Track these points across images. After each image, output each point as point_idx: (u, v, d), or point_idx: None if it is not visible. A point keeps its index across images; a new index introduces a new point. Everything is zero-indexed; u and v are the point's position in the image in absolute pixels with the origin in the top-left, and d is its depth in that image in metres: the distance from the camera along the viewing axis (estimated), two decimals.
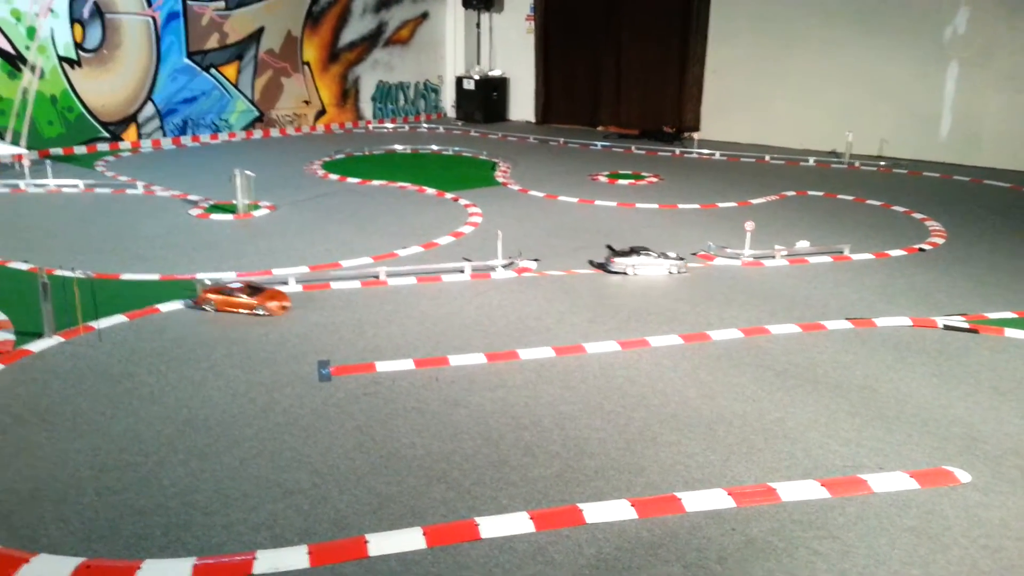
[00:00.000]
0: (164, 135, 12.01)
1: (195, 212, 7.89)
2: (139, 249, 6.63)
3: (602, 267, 6.19)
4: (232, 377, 4.27)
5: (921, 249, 6.84)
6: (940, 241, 7.09)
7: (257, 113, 12.99)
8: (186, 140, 12.21)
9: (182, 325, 4.99)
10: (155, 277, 5.90)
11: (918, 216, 7.98)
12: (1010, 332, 5.00)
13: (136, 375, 4.28)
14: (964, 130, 10.88)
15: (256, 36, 12.72)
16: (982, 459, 3.55)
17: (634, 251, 6.18)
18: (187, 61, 12.03)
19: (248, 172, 7.83)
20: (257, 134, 13.00)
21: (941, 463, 3.51)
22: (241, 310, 5.18)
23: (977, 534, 3.02)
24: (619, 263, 6.10)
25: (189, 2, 11.82)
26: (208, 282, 5.39)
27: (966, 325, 5.09)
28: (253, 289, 5.29)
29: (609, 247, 6.26)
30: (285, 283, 5.68)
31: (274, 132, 13.21)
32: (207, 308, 5.21)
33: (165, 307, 5.27)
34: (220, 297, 5.21)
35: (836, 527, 3.05)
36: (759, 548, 2.92)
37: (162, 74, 11.81)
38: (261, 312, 5.16)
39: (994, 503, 3.22)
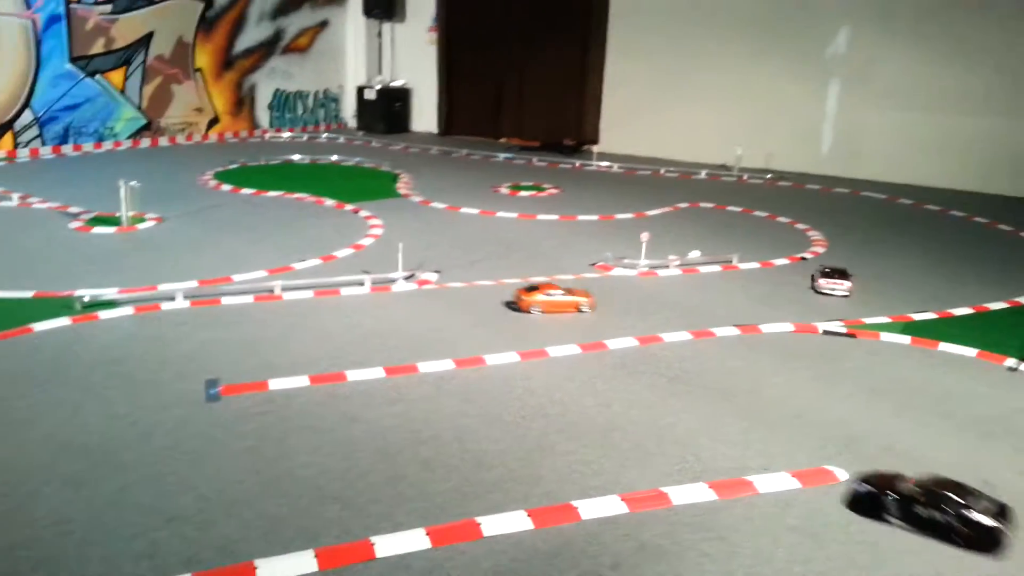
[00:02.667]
0: (43, 144, 11.34)
1: (75, 225, 7.48)
2: (13, 265, 6.23)
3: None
4: (112, 400, 4.06)
5: (804, 258, 7.18)
6: (821, 250, 7.46)
7: (145, 121, 12.45)
8: (67, 149, 11.57)
9: (58, 346, 4.71)
10: (29, 295, 5.55)
11: (801, 226, 8.37)
12: (885, 336, 5.30)
13: (6, 399, 4.01)
14: (844, 145, 11.51)
15: (145, 41, 12.21)
16: (859, 457, 3.74)
17: (839, 273, 6.19)
18: (70, 66, 11.42)
19: (133, 183, 7.49)
20: (145, 143, 12.46)
21: (821, 462, 3.68)
22: (568, 310, 5.46)
23: (855, 530, 3.18)
24: (822, 284, 6.13)
25: (72, 5, 11.24)
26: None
27: (844, 330, 5.37)
28: (565, 289, 5.55)
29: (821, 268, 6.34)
30: (172, 299, 5.45)
31: (163, 141, 12.69)
32: (533, 312, 5.40)
33: (40, 326, 4.96)
34: (546, 299, 5.44)
35: (724, 528, 3.15)
36: (651, 552, 2.98)
37: (42, 80, 11.15)
38: (585, 309, 5.49)
39: None
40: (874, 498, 3.21)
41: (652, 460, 3.65)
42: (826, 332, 5.33)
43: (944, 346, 5.14)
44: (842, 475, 3.56)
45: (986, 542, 2.96)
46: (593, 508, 3.24)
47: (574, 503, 3.27)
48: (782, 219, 8.70)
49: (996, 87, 10.38)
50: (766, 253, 7.23)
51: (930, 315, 5.74)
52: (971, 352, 5.05)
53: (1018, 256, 7.56)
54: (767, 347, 5.08)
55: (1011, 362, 4.88)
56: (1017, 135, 10.33)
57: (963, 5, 10.42)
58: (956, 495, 3.07)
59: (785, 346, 5.10)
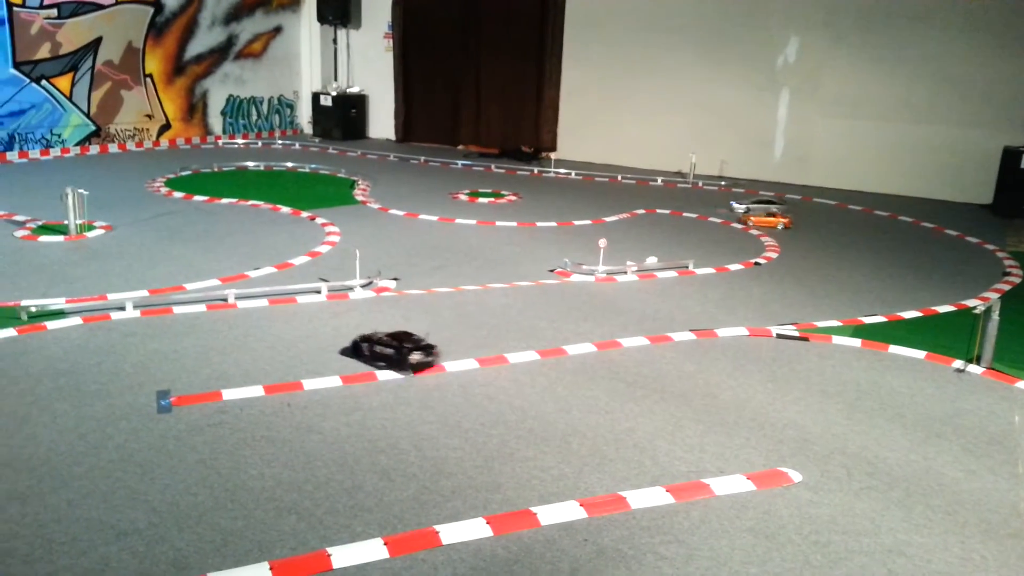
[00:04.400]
0: None
1: (21, 234, 7.27)
2: None
3: None
4: (60, 412, 3.95)
5: (757, 263, 7.30)
6: (774, 255, 7.60)
7: (93, 127, 12.18)
8: (12, 156, 11.26)
9: (3, 358, 4.57)
10: None
11: (755, 232, 8.51)
12: (836, 339, 5.41)
13: None
14: (795, 152, 11.76)
15: (93, 46, 11.95)
16: (812, 459, 3.81)
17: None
18: (14, 71, 11.11)
19: (81, 190, 7.31)
20: (94, 149, 12.18)
21: (776, 464, 3.73)
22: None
23: (808, 531, 3.23)
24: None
25: (16, 8, 10.94)
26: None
27: (797, 334, 5.47)
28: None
29: None
30: (122, 309, 5.33)
31: (113, 147, 12.42)
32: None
33: None
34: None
35: (681, 531, 3.17)
36: (609, 557, 2.99)
37: None
38: (781, 227, 8.31)
39: (823, 501, 3.46)
40: (357, 348, 4.73)
41: (610, 465, 3.66)
42: (779, 336, 5.42)
43: (894, 348, 5.27)
44: (796, 476, 3.62)
45: (425, 365, 4.63)
46: (552, 514, 3.24)
47: (533, 509, 3.27)
48: (736, 225, 8.84)
49: (938, 96, 10.71)
50: (721, 259, 7.34)
51: (880, 318, 5.88)
52: (920, 354, 5.18)
53: (963, 260, 7.79)
54: (722, 351, 5.14)
55: (959, 364, 5.02)
56: (959, 143, 10.67)
57: (905, 15, 10.73)
58: (405, 340, 4.72)
59: (740, 350, 5.18)
